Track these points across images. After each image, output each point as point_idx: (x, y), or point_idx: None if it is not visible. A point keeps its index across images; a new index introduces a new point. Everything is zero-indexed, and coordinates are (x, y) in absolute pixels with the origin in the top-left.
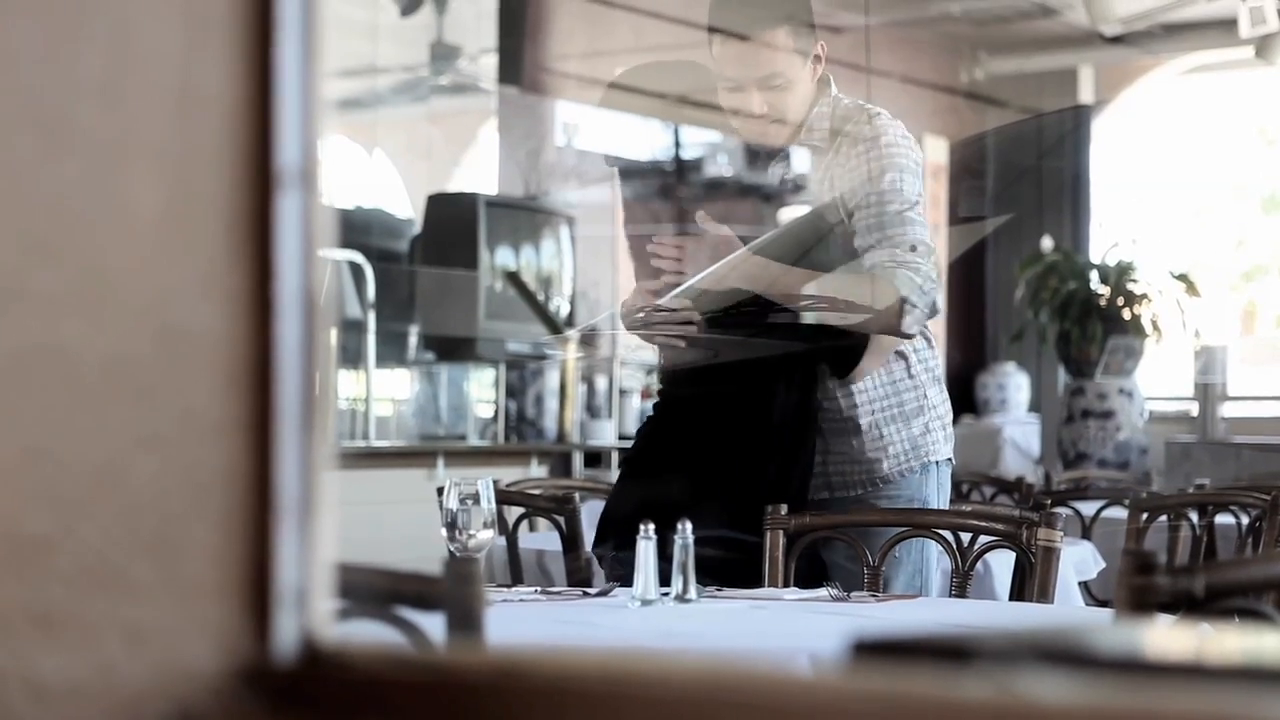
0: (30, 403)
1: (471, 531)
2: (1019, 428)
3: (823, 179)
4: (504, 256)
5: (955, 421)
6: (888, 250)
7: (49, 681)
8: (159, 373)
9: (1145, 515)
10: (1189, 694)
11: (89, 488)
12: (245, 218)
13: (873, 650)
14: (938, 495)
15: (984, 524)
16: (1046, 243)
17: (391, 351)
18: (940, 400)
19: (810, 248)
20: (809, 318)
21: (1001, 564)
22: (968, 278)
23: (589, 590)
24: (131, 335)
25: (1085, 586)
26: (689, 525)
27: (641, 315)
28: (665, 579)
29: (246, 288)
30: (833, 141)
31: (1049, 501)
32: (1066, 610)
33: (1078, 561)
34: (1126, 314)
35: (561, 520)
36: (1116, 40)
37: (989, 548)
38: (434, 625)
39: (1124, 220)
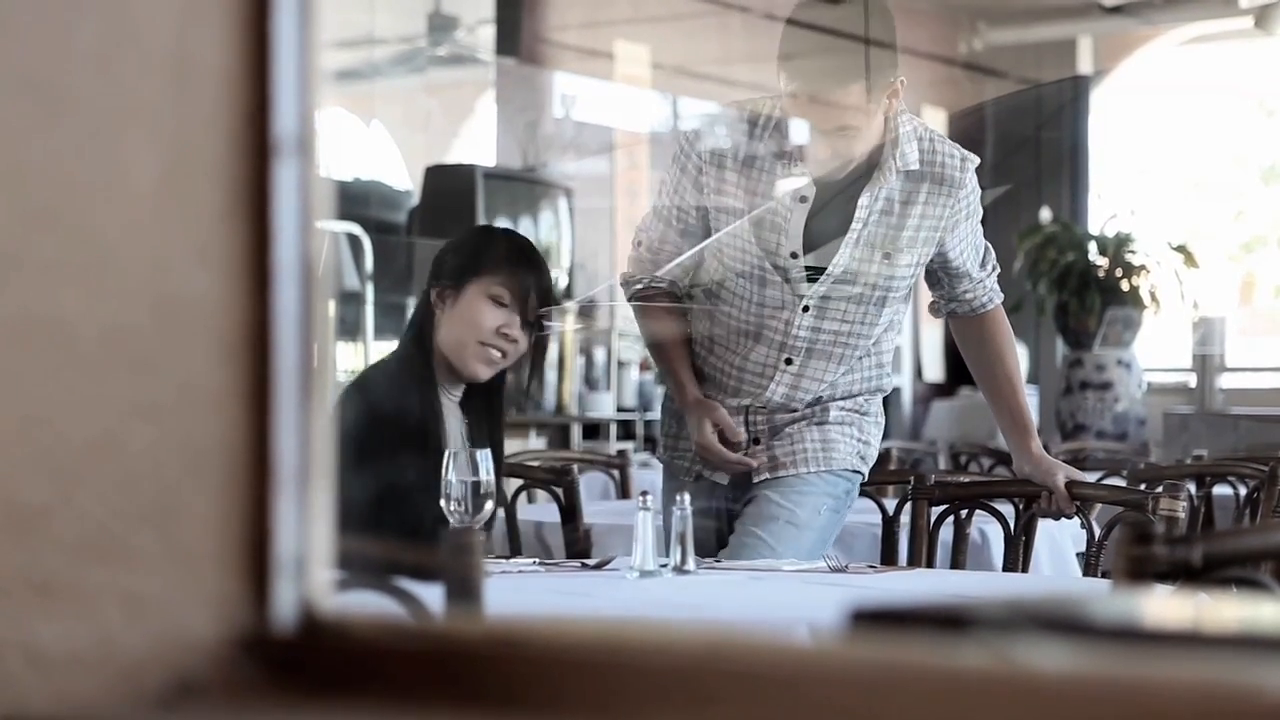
0: (28, 372)
1: (470, 503)
2: None
3: (909, 209)
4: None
5: (953, 393)
6: (988, 283)
7: (48, 650)
8: (157, 342)
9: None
10: (1186, 663)
11: (87, 457)
12: (242, 187)
13: (871, 620)
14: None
15: (1111, 495)
16: (1045, 214)
17: (390, 323)
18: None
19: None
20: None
21: (999, 535)
22: None
23: (587, 561)
24: (129, 304)
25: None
26: (688, 496)
27: (640, 286)
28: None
29: (244, 257)
30: (923, 173)
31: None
32: (1064, 580)
33: (1075, 533)
34: (1125, 285)
35: (560, 492)
36: (1115, 10)
37: (1118, 519)
38: (433, 596)
39: (1122, 191)
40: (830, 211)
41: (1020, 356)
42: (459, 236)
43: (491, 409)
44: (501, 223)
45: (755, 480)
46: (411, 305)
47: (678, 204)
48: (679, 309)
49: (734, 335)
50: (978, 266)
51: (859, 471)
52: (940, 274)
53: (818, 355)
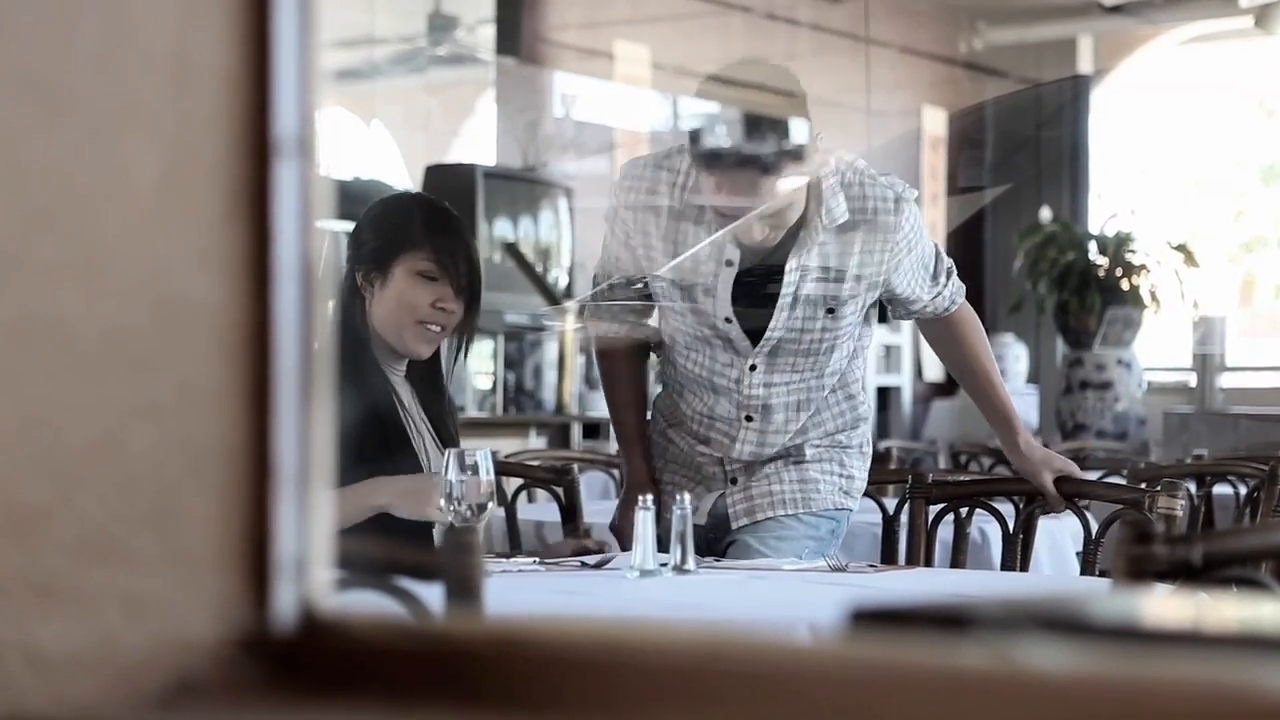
0: (28, 372)
1: (470, 502)
2: (1017, 399)
3: (846, 260)
4: (502, 228)
5: (953, 393)
6: (945, 282)
7: (48, 650)
8: (157, 342)
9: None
10: (1186, 662)
11: (87, 458)
12: (242, 187)
13: (871, 619)
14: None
15: (1108, 493)
16: (1045, 213)
17: None
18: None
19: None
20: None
21: (998, 534)
22: (966, 248)
23: (587, 560)
24: (129, 305)
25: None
26: (687, 496)
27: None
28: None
29: (244, 257)
30: (855, 222)
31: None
32: (1064, 579)
33: (1075, 531)
34: (1125, 285)
35: (560, 491)
36: (1115, 10)
37: (1116, 516)
38: (433, 595)
39: (1123, 191)
40: (760, 273)
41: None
42: (371, 212)
43: (433, 370)
44: (501, 222)
45: (734, 525)
46: None
47: (618, 266)
48: (642, 359)
49: (696, 387)
50: (928, 286)
51: (844, 508)
52: (891, 302)
53: (776, 410)
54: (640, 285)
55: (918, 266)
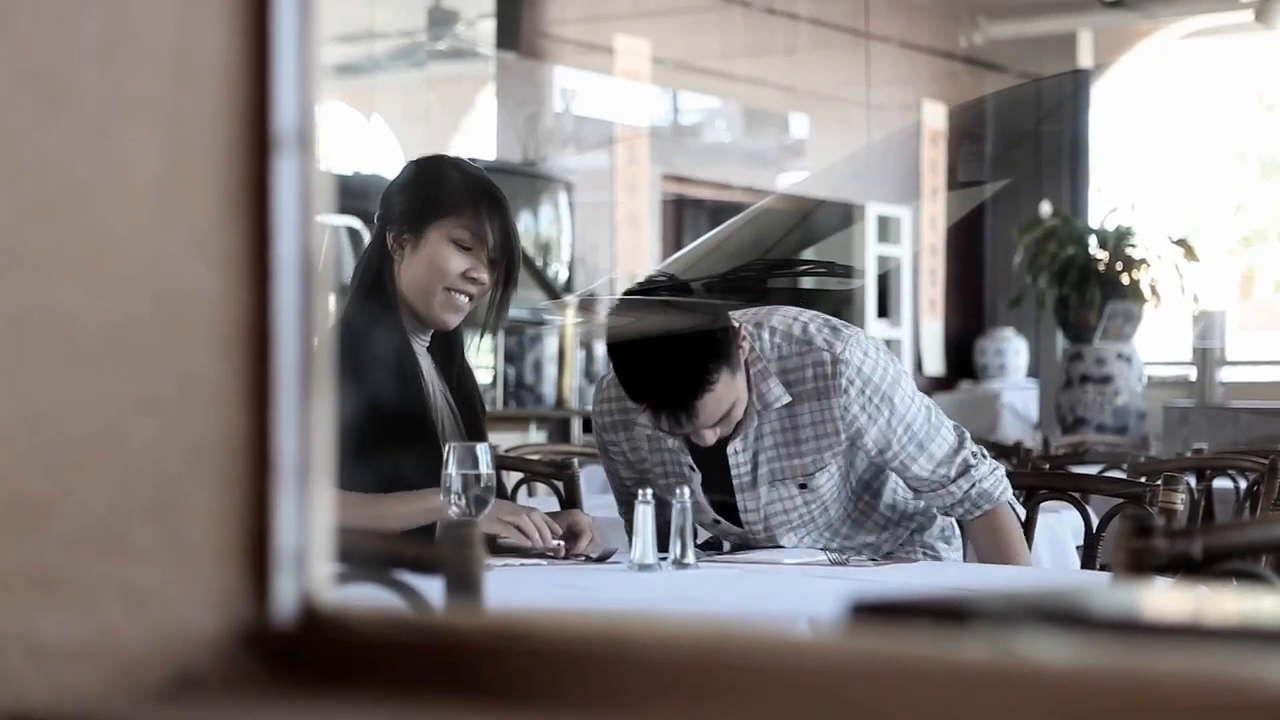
0: (28, 366)
1: (470, 496)
2: (1017, 393)
3: (799, 436)
4: None
5: (953, 387)
6: (956, 481)
7: (49, 643)
8: (157, 336)
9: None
10: (1186, 655)
11: (87, 451)
12: (243, 181)
13: (871, 612)
14: None
15: (1113, 487)
16: (1045, 208)
17: None
18: None
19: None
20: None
21: None
22: (966, 243)
23: (588, 554)
24: (129, 298)
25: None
26: (687, 490)
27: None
28: None
29: (244, 251)
30: (799, 394)
31: (1047, 466)
32: (1064, 573)
33: (1075, 525)
34: (1125, 279)
35: (560, 485)
36: (1115, 4)
37: (1115, 510)
38: (433, 589)
39: (1123, 185)
40: (720, 470)
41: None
42: (407, 173)
43: (455, 348)
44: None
45: None
46: None
47: (611, 470)
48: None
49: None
50: (924, 462)
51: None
52: (899, 476)
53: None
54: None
55: (896, 431)
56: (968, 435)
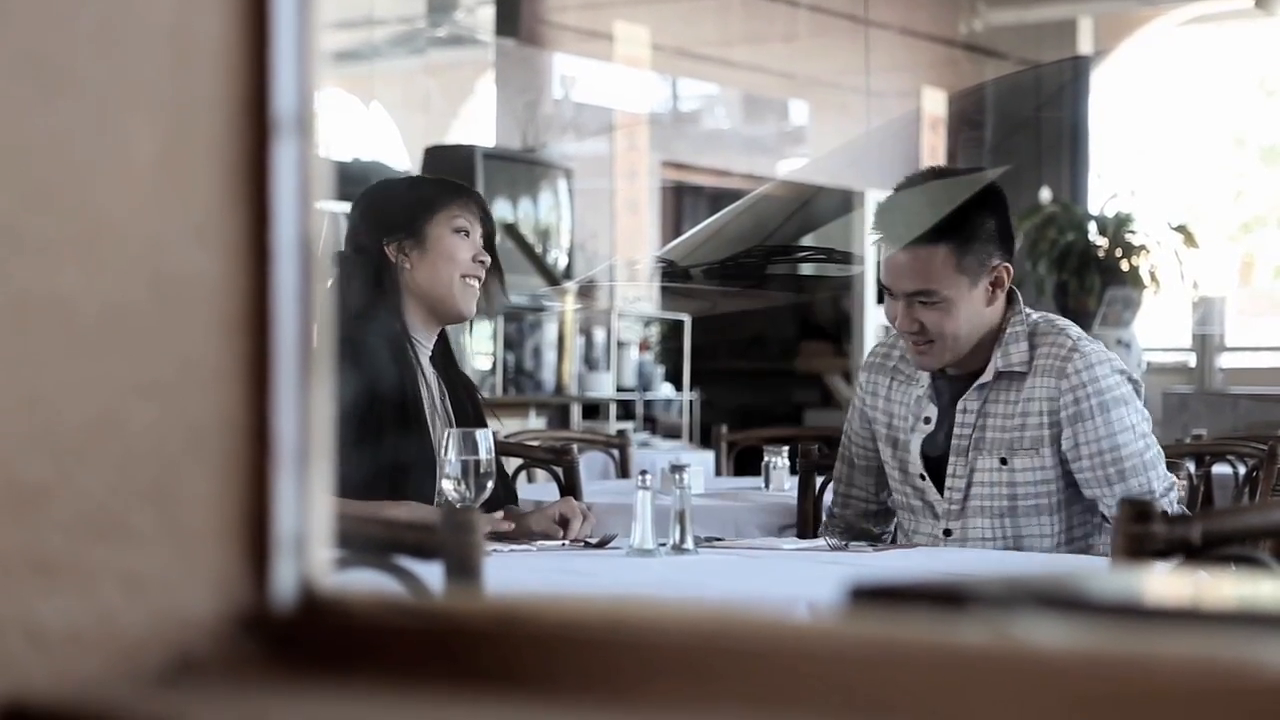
0: (27, 350)
1: (470, 483)
2: None
3: (1019, 410)
4: (502, 209)
5: None
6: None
7: (48, 627)
8: (156, 320)
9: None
10: (1185, 639)
11: (87, 435)
12: (241, 165)
13: (870, 596)
14: None
15: None
16: (1045, 194)
17: None
18: None
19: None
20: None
21: None
22: None
23: (588, 540)
24: (128, 282)
25: None
26: (687, 475)
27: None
28: None
29: (243, 234)
30: (1028, 368)
31: None
32: (1062, 558)
33: None
34: (1124, 265)
35: (559, 471)
36: None
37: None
38: (432, 574)
39: (1122, 171)
40: (947, 428)
41: None
42: (381, 189)
43: (449, 349)
44: (501, 203)
45: None
46: None
47: (850, 419)
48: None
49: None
50: (1109, 484)
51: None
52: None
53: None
54: (870, 454)
55: (1100, 444)
56: (1176, 488)
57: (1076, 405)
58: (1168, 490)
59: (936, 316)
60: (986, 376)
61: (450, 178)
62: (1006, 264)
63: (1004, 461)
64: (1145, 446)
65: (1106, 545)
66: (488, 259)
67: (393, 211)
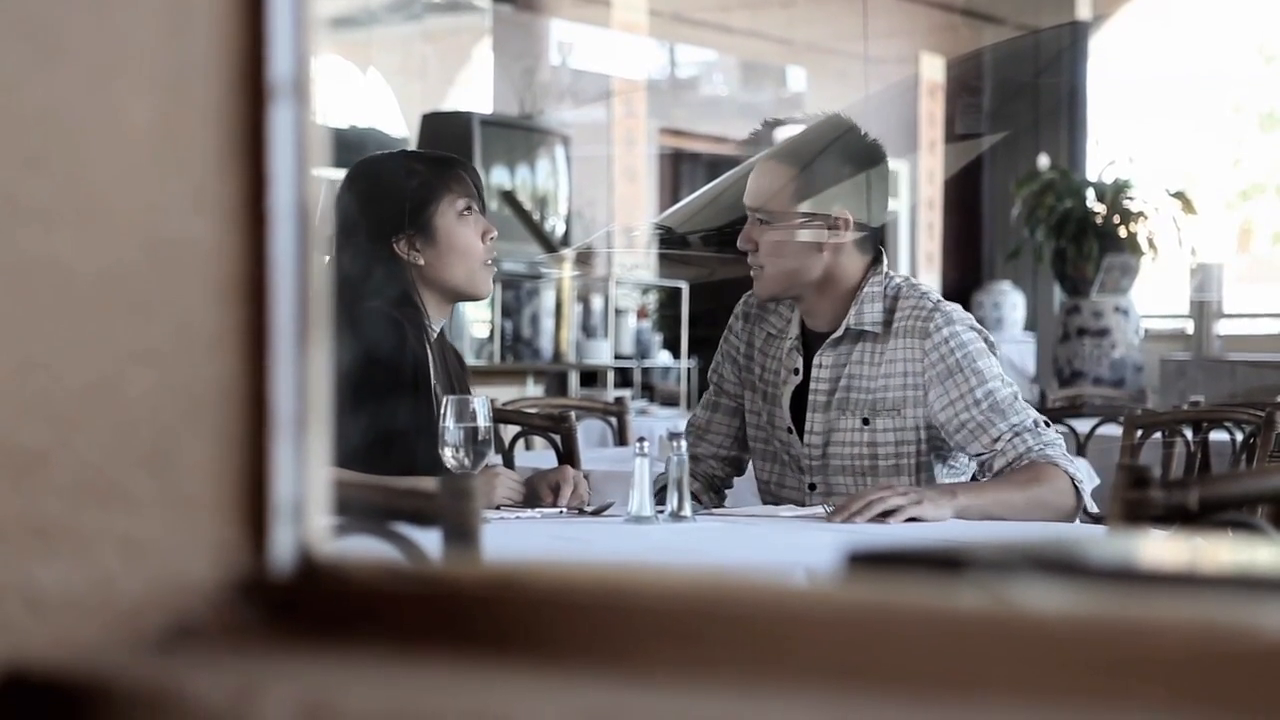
0: (24, 316)
1: (468, 450)
2: (1015, 346)
3: (881, 371)
4: (499, 176)
5: None
6: (1023, 438)
7: (46, 593)
8: (153, 286)
9: (1140, 432)
10: (1182, 603)
11: (84, 401)
12: (238, 130)
13: (868, 562)
14: None
15: None
16: (1043, 160)
17: None
18: None
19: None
20: None
21: None
22: (963, 196)
23: (585, 508)
24: (125, 248)
25: None
26: (684, 442)
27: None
28: None
29: (240, 200)
30: (887, 330)
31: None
32: (1060, 524)
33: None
34: (1123, 232)
35: (558, 439)
36: None
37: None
38: (430, 541)
39: (1121, 138)
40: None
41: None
42: (371, 179)
43: (444, 336)
44: (498, 170)
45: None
46: None
47: (717, 364)
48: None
49: (765, 496)
50: (991, 429)
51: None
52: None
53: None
54: (734, 392)
55: (975, 398)
56: (1048, 427)
57: (944, 361)
58: (1040, 421)
59: (769, 243)
60: (838, 332)
61: (436, 151)
62: (849, 216)
63: (866, 422)
64: (1014, 392)
65: None
66: (495, 232)
67: (393, 206)
